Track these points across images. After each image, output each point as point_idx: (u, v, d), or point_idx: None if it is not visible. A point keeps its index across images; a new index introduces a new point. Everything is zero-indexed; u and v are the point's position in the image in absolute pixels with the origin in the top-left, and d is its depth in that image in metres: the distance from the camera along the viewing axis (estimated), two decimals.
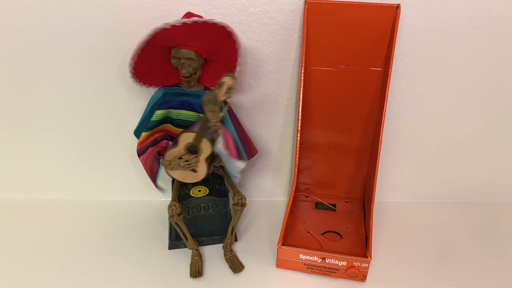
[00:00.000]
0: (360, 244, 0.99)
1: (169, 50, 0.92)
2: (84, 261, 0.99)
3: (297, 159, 1.04)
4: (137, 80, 0.95)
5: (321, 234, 1.02)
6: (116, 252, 1.02)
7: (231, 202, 1.00)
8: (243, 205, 0.96)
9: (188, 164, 0.95)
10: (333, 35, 0.98)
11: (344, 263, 0.92)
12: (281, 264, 0.97)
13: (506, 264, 1.01)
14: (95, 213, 1.15)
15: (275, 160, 1.18)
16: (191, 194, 1.00)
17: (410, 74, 1.05)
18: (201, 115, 1.00)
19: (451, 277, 0.97)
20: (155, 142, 1.02)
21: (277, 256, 0.96)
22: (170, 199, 1.02)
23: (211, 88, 1.00)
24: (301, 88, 1.00)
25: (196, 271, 0.96)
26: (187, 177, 0.99)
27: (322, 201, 1.14)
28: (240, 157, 0.97)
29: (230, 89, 0.87)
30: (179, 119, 1.01)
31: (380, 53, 0.99)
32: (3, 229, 1.09)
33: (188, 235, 0.97)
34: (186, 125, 1.02)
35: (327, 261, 0.93)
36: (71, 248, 1.03)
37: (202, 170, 0.97)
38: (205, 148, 0.94)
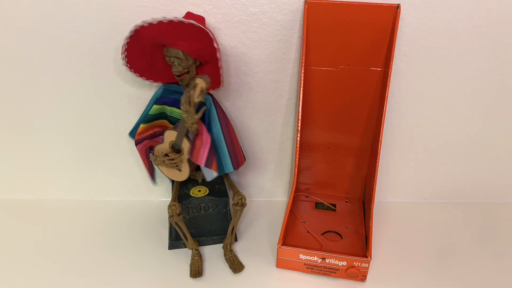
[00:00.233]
0: (360, 244, 0.99)
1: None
2: (84, 261, 0.99)
3: (297, 159, 1.04)
4: (138, 74, 0.96)
5: (321, 234, 1.02)
6: (116, 252, 1.02)
7: (231, 202, 1.00)
8: (243, 205, 0.96)
9: (171, 162, 0.95)
10: (333, 35, 0.98)
11: (344, 263, 0.92)
12: (281, 264, 0.97)
13: (506, 264, 1.01)
14: (95, 213, 1.15)
15: (275, 160, 1.18)
16: (191, 194, 1.00)
17: (410, 74, 1.05)
18: None
19: (451, 277, 0.97)
20: (153, 135, 1.03)
21: (277, 256, 0.96)
22: (170, 199, 1.02)
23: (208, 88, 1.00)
24: (301, 88, 1.00)
25: (196, 271, 0.96)
26: (173, 174, 0.99)
27: (322, 201, 1.14)
28: (208, 165, 0.92)
29: (202, 92, 0.86)
30: (172, 116, 1.02)
31: (380, 53, 0.99)
32: (3, 229, 1.09)
33: (188, 235, 0.97)
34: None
35: (327, 261, 0.93)
36: (71, 248, 1.03)
37: (185, 170, 0.97)
38: (186, 148, 0.94)
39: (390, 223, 1.14)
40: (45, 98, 1.07)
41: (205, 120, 0.96)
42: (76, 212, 1.15)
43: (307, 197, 1.16)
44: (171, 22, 0.84)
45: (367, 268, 0.92)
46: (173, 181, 1.07)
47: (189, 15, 0.94)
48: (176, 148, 0.96)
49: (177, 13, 0.97)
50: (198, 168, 1.04)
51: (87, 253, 1.01)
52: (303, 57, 0.98)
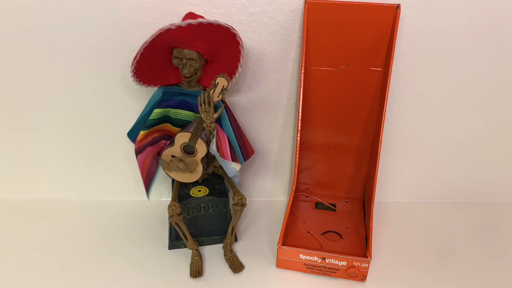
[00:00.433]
0: (360, 244, 0.99)
1: (170, 50, 0.92)
2: (84, 261, 0.99)
3: (297, 159, 1.04)
4: (138, 80, 0.95)
5: (321, 234, 1.02)
6: (116, 252, 1.02)
7: (231, 202, 1.00)
8: (243, 205, 0.96)
9: (187, 167, 0.95)
10: (333, 35, 0.98)
11: (344, 263, 0.92)
12: (281, 264, 0.97)
13: (506, 264, 1.01)
14: (95, 213, 1.15)
15: (275, 160, 1.18)
16: (191, 194, 1.00)
17: (410, 74, 1.05)
18: (199, 115, 1.00)
19: (451, 277, 0.97)
20: (153, 141, 1.02)
21: (277, 256, 0.96)
22: (170, 199, 1.02)
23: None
24: (301, 88, 1.00)
25: (196, 271, 0.96)
26: (184, 176, 0.99)
27: (322, 201, 1.14)
28: (234, 159, 0.96)
29: (224, 90, 0.87)
30: (177, 119, 1.02)
31: (380, 53, 0.99)
32: (3, 229, 1.09)
33: (188, 235, 0.97)
34: (184, 125, 1.02)
35: (327, 261, 0.93)
36: (71, 248, 1.03)
37: (198, 171, 0.97)
38: (200, 149, 0.94)
39: (390, 223, 1.14)
40: (45, 98, 1.07)
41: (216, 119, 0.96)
42: (76, 212, 1.15)
43: (307, 197, 1.16)
44: (190, 25, 0.83)
45: (367, 268, 0.92)
46: (173, 181, 1.07)
47: (190, 15, 0.94)
48: (188, 150, 0.95)
49: (177, 13, 0.97)
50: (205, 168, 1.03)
51: (87, 253, 1.01)
52: (303, 57, 0.98)
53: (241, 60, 0.92)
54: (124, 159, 1.16)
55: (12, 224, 1.11)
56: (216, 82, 0.87)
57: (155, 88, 0.99)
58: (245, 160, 1.01)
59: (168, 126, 1.03)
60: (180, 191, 1.01)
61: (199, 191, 1.01)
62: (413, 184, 1.22)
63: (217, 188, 1.02)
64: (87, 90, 1.06)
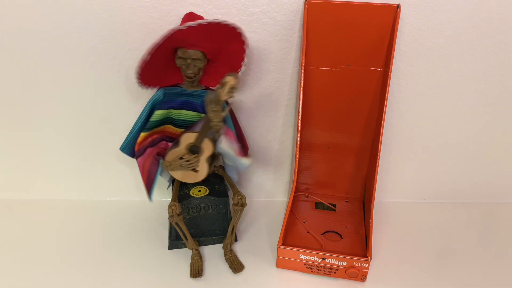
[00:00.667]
0: (360, 244, 0.99)
1: (173, 51, 0.92)
2: (84, 261, 0.99)
3: (297, 159, 1.04)
4: (142, 82, 0.94)
5: (321, 234, 1.02)
6: (116, 252, 1.02)
7: (231, 202, 1.00)
8: (243, 205, 0.96)
9: (189, 164, 0.95)
10: (333, 35, 0.98)
11: (344, 263, 0.92)
12: (281, 264, 0.97)
13: (506, 264, 1.01)
14: (95, 213, 1.15)
15: (275, 160, 1.18)
16: (191, 194, 1.00)
17: (410, 74, 1.05)
18: (202, 115, 1.00)
19: (451, 277, 0.97)
20: (153, 143, 1.01)
21: (277, 256, 0.96)
22: (170, 199, 1.02)
23: (212, 87, 1.00)
24: (301, 88, 1.00)
25: (196, 271, 0.96)
26: (188, 177, 0.99)
27: (322, 201, 1.14)
28: (245, 155, 0.97)
29: (233, 89, 0.87)
30: (180, 119, 1.01)
31: (380, 53, 0.99)
32: (3, 229, 1.09)
33: (188, 235, 0.97)
34: (187, 125, 1.02)
35: (327, 261, 0.93)
36: (71, 248, 1.03)
37: (203, 170, 0.97)
38: (207, 148, 0.94)
39: (390, 223, 1.14)
40: (45, 98, 1.07)
41: None
42: (76, 212, 1.15)
43: (307, 197, 1.16)
44: (200, 25, 0.83)
45: (367, 268, 0.92)
46: (173, 182, 1.07)
47: (191, 15, 0.94)
48: (193, 150, 0.95)
49: (177, 12, 0.97)
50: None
51: (87, 253, 1.01)
52: (303, 57, 0.98)
53: (245, 59, 0.93)
54: (124, 159, 1.16)
55: (12, 224, 1.11)
56: (225, 81, 0.86)
57: (154, 89, 0.99)
58: None
59: (169, 128, 1.03)
60: (180, 191, 1.01)
61: (199, 191, 1.01)
62: (413, 184, 1.22)
63: (217, 188, 1.03)
64: (87, 90, 1.06)
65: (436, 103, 1.09)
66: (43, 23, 0.98)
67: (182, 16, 0.97)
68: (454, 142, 1.15)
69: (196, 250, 0.99)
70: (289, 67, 1.05)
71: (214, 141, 0.95)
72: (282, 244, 0.95)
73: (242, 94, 1.08)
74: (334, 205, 1.13)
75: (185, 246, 1.03)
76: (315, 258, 0.93)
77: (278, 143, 1.16)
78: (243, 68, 0.94)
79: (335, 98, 1.05)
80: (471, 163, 1.18)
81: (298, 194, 1.17)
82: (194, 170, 0.97)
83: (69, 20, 0.97)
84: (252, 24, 0.99)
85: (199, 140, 0.93)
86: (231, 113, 1.00)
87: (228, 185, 1.05)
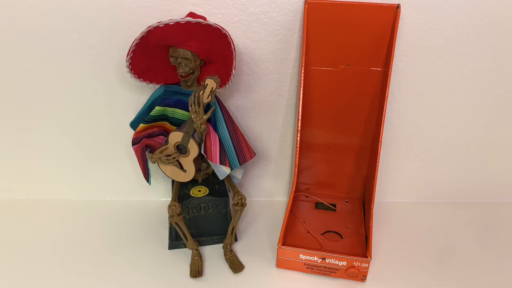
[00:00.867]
0: (360, 244, 0.99)
1: (169, 49, 0.93)
2: (84, 261, 0.99)
3: (297, 159, 1.04)
4: (136, 76, 0.95)
5: (321, 234, 1.02)
6: (116, 252, 1.02)
7: (231, 202, 1.00)
8: (243, 205, 0.96)
9: (168, 159, 0.95)
10: (333, 35, 0.98)
11: (344, 263, 0.92)
12: (281, 264, 0.97)
13: (506, 264, 1.01)
14: (95, 213, 1.15)
15: (275, 160, 1.18)
16: (191, 194, 1.00)
17: (410, 74, 1.05)
18: None
19: (451, 277, 0.97)
20: (151, 135, 1.03)
21: (277, 256, 0.96)
22: (170, 199, 1.02)
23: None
24: (301, 88, 1.00)
25: (196, 271, 0.96)
26: (179, 176, 0.99)
27: (322, 201, 1.14)
28: (223, 162, 0.95)
29: (212, 92, 0.87)
30: (174, 118, 1.02)
31: (380, 53, 0.99)
32: (3, 229, 1.09)
33: (188, 235, 0.97)
34: (180, 124, 1.03)
35: (327, 261, 0.93)
36: (71, 248, 1.03)
37: (190, 171, 0.97)
38: (192, 149, 0.94)
39: (390, 223, 1.14)
40: (45, 98, 1.07)
41: (210, 120, 0.96)
42: (76, 212, 1.15)
43: (307, 197, 1.16)
44: (178, 23, 0.84)
45: (367, 268, 0.92)
46: (173, 181, 1.07)
47: (191, 15, 0.94)
48: (181, 150, 0.96)
49: (177, 12, 0.97)
50: (198, 169, 1.04)
51: (87, 253, 1.01)
52: (303, 57, 0.98)
53: (234, 62, 0.91)
54: (124, 159, 1.16)
55: (12, 224, 1.11)
56: (205, 84, 0.87)
57: (156, 86, 1.00)
58: (240, 164, 0.99)
59: (166, 124, 1.04)
60: (180, 191, 1.01)
61: (199, 191, 1.01)
62: (413, 184, 1.22)
63: (217, 188, 1.03)
64: (87, 90, 1.06)
65: (436, 103, 1.09)
66: (43, 23, 0.98)
67: (182, 16, 0.97)
68: (454, 142, 1.15)
69: (196, 250, 0.99)
70: (289, 67, 1.05)
71: (201, 143, 0.95)
72: (282, 244, 0.95)
73: (242, 94, 1.08)
74: (334, 205, 1.13)
75: (185, 246, 1.03)
76: (315, 258, 0.93)
77: (278, 143, 1.16)
78: (233, 71, 0.92)
79: (335, 98, 1.05)
80: (471, 163, 1.18)
81: (298, 194, 1.17)
82: (182, 169, 0.98)
83: (69, 20, 0.97)
84: (252, 24, 0.99)
85: (184, 140, 0.93)
86: (227, 116, 0.99)
87: (228, 185, 1.05)
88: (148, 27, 0.85)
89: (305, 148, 1.12)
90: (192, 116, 0.91)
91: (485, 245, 1.07)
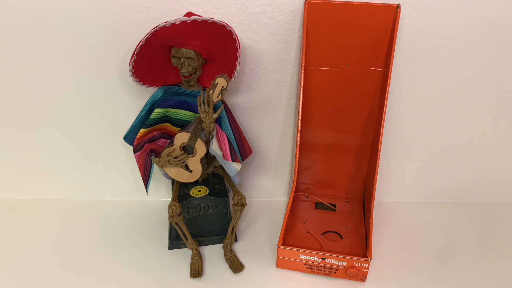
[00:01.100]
0: (360, 244, 0.99)
1: (169, 50, 0.93)
2: (84, 261, 0.99)
3: (297, 159, 1.04)
4: (138, 80, 0.95)
5: (321, 234, 1.02)
6: (116, 252, 1.02)
7: (231, 202, 1.00)
8: (243, 205, 0.96)
9: (177, 161, 0.95)
10: (333, 35, 0.98)
11: (344, 263, 0.92)
12: (281, 264, 0.97)
13: (506, 264, 1.01)
14: (95, 213, 1.15)
15: (275, 160, 1.18)
16: (191, 194, 1.00)
17: (410, 74, 1.05)
18: (198, 115, 1.00)
19: (451, 277, 0.97)
20: (152, 139, 1.02)
21: (277, 256, 0.96)
22: (170, 199, 1.02)
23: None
24: (301, 88, 1.00)
25: (196, 271, 0.96)
26: (183, 176, 0.98)
27: (322, 201, 1.14)
28: (234, 159, 0.96)
29: (223, 90, 0.87)
30: (177, 119, 1.02)
31: (380, 53, 0.99)
32: (3, 229, 1.09)
33: (188, 235, 0.97)
34: (183, 125, 1.02)
35: (327, 261, 0.93)
36: (71, 248, 1.03)
37: (197, 170, 0.97)
38: (200, 149, 0.94)
39: (390, 223, 1.14)
40: (45, 98, 1.07)
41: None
42: (76, 212, 1.15)
43: (307, 197, 1.16)
44: (186, 22, 0.84)
45: (367, 268, 0.92)
46: (173, 181, 1.07)
47: (189, 15, 0.93)
48: (187, 150, 0.95)
49: (177, 12, 0.97)
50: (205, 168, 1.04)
51: (87, 253, 1.01)
52: (303, 57, 0.98)
53: (238, 59, 0.92)
54: (124, 159, 1.16)
55: (12, 224, 1.11)
56: (216, 83, 0.87)
57: (155, 88, 1.00)
58: (242, 160, 1.02)
59: (168, 126, 1.04)
60: (180, 191, 1.01)
61: (199, 191, 1.01)
62: (413, 184, 1.22)
63: (217, 188, 1.03)
64: (87, 90, 1.06)
65: (436, 103, 1.09)
66: (43, 23, 0.98)
67: (182, 16, 0.97)
68: (454, 142, 1.15)
69: (196, 250, 0.99)
70: (289, 67, 1.05)
71: (208, 142, 0.95)
72: (282, 244, 0.95)
73: (242, 94, 1.08)
74: (334, 205, 1.13)
75: (185, 246, 1.03)
76: (315, 258, 0.93)
77: (278, 143, 1.16)
78: (238, 67, 0.93)
79: (335, 98, 1.05)
80: (471, 163, 1.18)
81: (298, 194, 1.17)
82: (188, 169, 0.97)
83: (69, 20, 0.97)
84: (252, 24, 0.99)
85: (192, 140, 0.93)
86: (229, 114, 1.00)
87: (228, 185, 1.05)
88: (154, 27, 0.84)
89: (305, 148, 1.12)
90: (201, 116, 0.90)
91: (485, 245, 1.07)
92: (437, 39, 1.01)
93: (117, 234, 1.08)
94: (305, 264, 0.95)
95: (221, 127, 0.97)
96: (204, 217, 1.02)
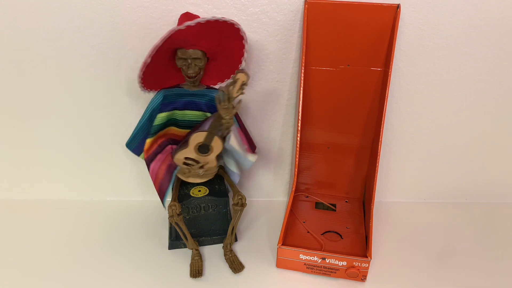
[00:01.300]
0: (360, 244, 0.99)
1: (172, 53, 0.92)
2: (84, 261, 0.99)
3: (297, 159, 1.04)
4: (144, 87, 0.94)
5: (321, 234, 1.02)
6: (116, 252, 1.02)
7: (231, 202, 1.00)
8: (243, 205, 0.96)
9: (206, 172, 0.96)
10: (333, 35, 0.98)
11: (344, 263, 0.92)
12: (281, 264, 0.97)
13: (506, 264, 1.01)
14: (95, 213, 1.15)
15: (275, 160, 1.18)
16: (191, 194, 1.00)
17: (410, 74, 1.05)
18: (208, 114, 1.00)
19: (451, 277, 0.97)
20: (161, 148, 0.99)
21: (277, 256, 0.96)
22: (170, 199, 1.02)
23: (213, 86, 1.00)
24: (301, 88, 1.00)
25: (196, 271, 0.96)
26: (195, 176, 0.98)
27: (322, 201, 1.14)
28: (252, 150, 0.98)
29: (244, 85, 0.87)
30: (184, 120, 1.01)
31: (380, 53, 0.99)
32: (3, 229, 1.09)
33: (188, 235, 0.97)
34: (192, 126, 1.01)
35: (327, 261, 0.93)
36: (71, 248, 1.03)
37: (212, 167, 0.97)
38: (216, 146, 0.93)
39: (390, 223, 1.14)
40: (45, 98, 1.07)
41: None
42: (76, 212, 1.15)
43: (307, 197, 1.16)
44: (198, 23, 0.83)
45: (367, 268, 0.92)
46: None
47: (187, 15, 0.93)
48: (202, 150, 0.94)
49: (177, 12, 0.97)
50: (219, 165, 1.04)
51: (87, 253, 1.01)
52: (303, 57, 0.98)
53: (245, 55, 0.92)
54: (124, 159, 1.16)
55: (12, 224, 1.11)
56: (236, 78, 0.86)
57: (154, 92, 0.99)
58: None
59: (172, 129, 1.02)
60: (180, 191, 1.01)
61: (199, 191, 1.01)
62: (413, 184, 1.22)
63: (217, 188, 1.02)
64: (87, 90, 1.06)
65: (436, 103, 1.09)
66: (43, 23, 0.98)
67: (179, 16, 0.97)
68: (454, 142, 1.15)
69: (196, 250, 0.99)
70: (289, 67, 1.05)
71: (223, 139, 0.94)
72: (282, 244, 0.95)
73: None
74: (334, 205, 1.13)
75: (185, 246, 1.03)
76: (315, 258, 0.93)
77: (278, 143, 1.16)
78: (243, 64, 0.93)
79: (335, 98, 1.05)
80: (471, 163, 1.18)
81: (298, 194, 1.17)
82: (202, 168, 0.96)
83: (69, 20, 0.97)
84: (252, 24, 0.99)
85: (209, 138, 0.92)
86: (236, 112, 0.99)
87: (228, 185, 1.05)
88: (170, 31, 0.83)
89: (305, 148, 1.12)
90: (222, 113, 0.89)
91: (485, 245, 1.07)
92: (437, 39, 1.01)
93: (117, 234, 1.08)
94: (305, 264, 0.95)
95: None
96: (204, 217, 1.02)
